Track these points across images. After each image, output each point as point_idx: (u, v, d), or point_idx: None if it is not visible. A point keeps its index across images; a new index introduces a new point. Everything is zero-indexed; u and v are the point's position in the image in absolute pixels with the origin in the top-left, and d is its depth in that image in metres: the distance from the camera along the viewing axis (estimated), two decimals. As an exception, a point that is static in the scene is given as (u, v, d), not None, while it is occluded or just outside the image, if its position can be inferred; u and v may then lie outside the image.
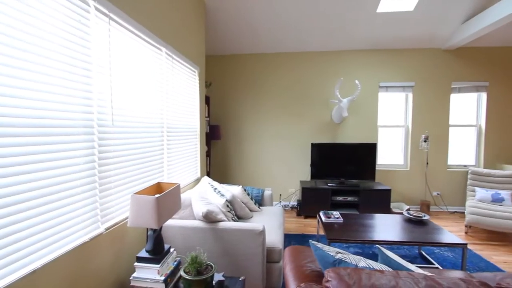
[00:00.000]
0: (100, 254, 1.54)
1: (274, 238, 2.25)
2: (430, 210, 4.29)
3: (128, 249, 1.83)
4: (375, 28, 3.81)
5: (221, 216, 2.15)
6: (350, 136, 4.35)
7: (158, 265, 1.54)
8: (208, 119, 3.95)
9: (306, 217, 3.94)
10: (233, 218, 2.39)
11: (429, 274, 1.13)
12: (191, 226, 2.07)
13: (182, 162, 2.81)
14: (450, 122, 4.31)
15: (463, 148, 4.42)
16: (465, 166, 4.36)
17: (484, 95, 4.26)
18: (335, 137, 4.37)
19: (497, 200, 3.47)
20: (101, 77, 1.53)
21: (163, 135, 2.36)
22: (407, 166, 4.38)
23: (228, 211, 2.35)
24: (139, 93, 1.97)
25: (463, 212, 4.12)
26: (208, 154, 4.05)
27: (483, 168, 4.21)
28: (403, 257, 2.79)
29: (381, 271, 1.07)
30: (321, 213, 2.79)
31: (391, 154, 4.48)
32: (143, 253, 1.60)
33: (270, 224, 2.51)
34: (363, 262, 1.31)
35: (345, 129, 4.36)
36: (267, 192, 3.15)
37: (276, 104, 4.42)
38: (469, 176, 3.86)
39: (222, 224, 2.08)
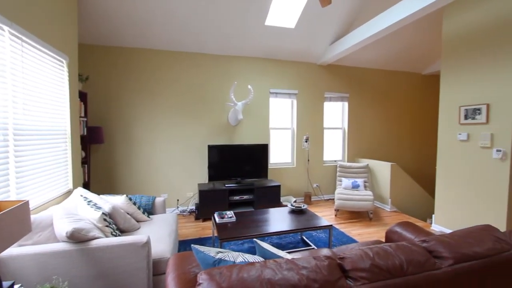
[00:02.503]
0: None
1: (163, 248, 2.09)
2: (312, 199, 5.03)
3: None
4: (265, 39, 4.17)
5: (94, 233, 1.83)
6: (245, 137, 4.60)
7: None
8: (85, 119, 3.34)
9: (204, 220, 3.90)
10: (114, 233, 2.09)
11: (291, 258, 1.27)
12: (50, 251, 1.67)
13: (43, 172, 2.26)
14: (324, 125, 5.19)
15: (334, 146, 5.40)
16: (335, 161, 5.34)
17: (346, 104, 5.34)
18: (231, 138, 4.52)
19: (355, 186, 4.40)
20: None
21: (7, 140, 1.82)
22: (294, 163, 4.99)
23: (107, 226, 2.03)
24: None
25: (334, 199, 5.03)
26: (86, 160, 3.43)
27: (347, 162, 5.27)
28: (289, 243, 3.14)
29: (252, 263, 1.12)
30: (215, 214, 2.80)
31: (281, 153, 5.00)
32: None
33: (160, 233, 2.32)
34: (240, 257, 1.36)
35: (240, 131, 4.57)
36: (159, 199, 2.93)
37: (172, 105, 4.20)
38: (337, 169, 4.74)
39: (96, 242, 1.78)
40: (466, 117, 3.22)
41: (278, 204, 4.17)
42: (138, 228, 2.44)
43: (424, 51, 5.14)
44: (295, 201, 4.64)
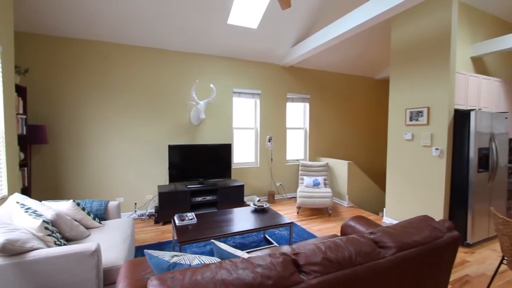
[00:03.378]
0: None
1: (116, 255, 1.95)
2: (275, 198, 5.13)
3: None
4: (227, 38, 4.13)
5: (32, 243, 1.64)
6: (208, 137, 4.51)
7: None
8: (24, 116, 2.98)
9: (165, 223, 3.74)
10: (59, 242, 1.89)
11: (247, 256, 1.27)
12: (-25, 268, 1.46)
13: (-32, 177, 1.96)
14: (287, 125, 5.33)
15: (296, 146, 5.57)
16: (297, 160, 5.51)
17: (307, 105, 5.54)
18: (194, 138, 4.40)
19: (316, 184, 4.58)
20: None
21: None
22: (257, 163, 5.03)
23: (49, 235, 1.84)
24: None
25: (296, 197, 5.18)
26: (25, 163, 3.07)
27: (308, 161, 5.47)
28: (252, 242, 3.15)
29: (207, 265, 1.10)
30: (175, 217, 2.70)
31: (244, 153, 5.01)
32: None
33: (113, 239, 2.17)
34: (197, 260, 1.32)
35: (203, 131, 4.48)
36: (113, 204, 2.73)
37: (130, 103, 3.95)
38: (299, 168, 4.89)
39: (34, 254, 1.60)
40: (411, 119, 3.55)
41: (241, 204, 4.17)
42: (88, 236, 2.25)
43: (377, 57, 5.55)
44: (258, 200, 4.68)
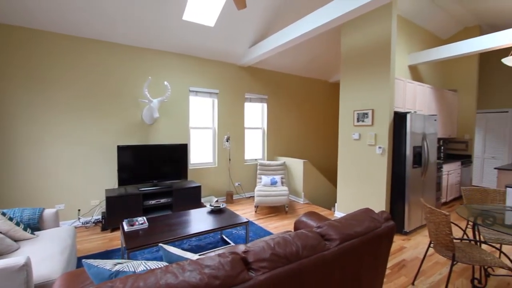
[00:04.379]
0: None
1: (51, 268, 1.75)
2: (234, 198, 5.12)
3: None
4: (183, 34, 4.00)
5: None
6: (163, 137, 4.31)
7: None
8: None
9: (113, 230, 3.47)
10: (-24, 259, 1.62)
11: (196, 258, 1.25)
12: None
13: None
14: (245, 125, 5.36)
15: (255, 145, 5.63)
16: (256, 159, 5.58)
17: (265, 105, 5.64)
18: (147, 138, 4.17)
19: (274, 183, 4.68)
20: None
21: None
22: (215, 163, 4.96)
23: (-37, 251, 1.57)
24: None
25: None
26: None
27: (266, 160, 5.57)
28: (209, 244, 3.09)
29: (152, 270, 1.04)
30: (124, 222, 2.52)
31: (202, 153, 4.90)
32: None
33: (48, 251, 1.94)
34: (143, 266, 1.25)
35: (157, 130, 4.26)
36: (49, 211, 2.44)
37: (71, 99, 3.57)
38: (258, 167, 4.95)
39: None
40: (358, 120, 3.84)
41: (199, 205, 4.07)
42: (17, 249, 1.98)
43: (330, 62, 5.90)
44: (217, 201, 4.63)
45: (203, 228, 2.55)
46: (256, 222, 3.86)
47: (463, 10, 4.61)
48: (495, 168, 4.13)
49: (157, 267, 1.22)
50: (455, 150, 5.64)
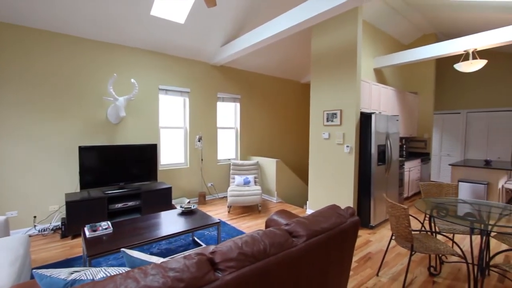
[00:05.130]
0: None
1: (-1, 282, 1.59)
2: (206, 199, 5.04)
3: None
4: (152, 30, 3.85)
5: None
6: (131, 137, 4.12)
7: None
8: None
9: (74, 236, 3.24)
10: None
11: (161, 261, 1.20)
12: None
13: None
14: (218, 125, 5.30)
15: (228, 145, 5.59)
16: (229, 159, 5.54)
17: (238, 105, 5.62)
18: (113, 138, 3.95)
19: (247, 183, 4.69)
20: None
21: None
22: (187, 163, 4.85)
23: None
24: None
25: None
26: None
27: (239, 160, 5.55)
28: (179, 247, 3.01)
29: (112, 277, 0.98)
30: (85, 228, 2.36)
31: (173, 153, 4.76)
32: None
33: (-5, 263, 1.75)
34: (102, 273, 1.18)
35: (125, 130, 4.06)
36: (-2, 218, 2.22)
37: (26, 97, 3.27)
38: (231, 167, 4.92)
39: None
40: (327, 120, 3.97)
41: (169, 207, 3.94)
42: (-43, 262, 1.76)
43: (302, 63, 6.03)
44: (188, 202, 4.52)
45: (173, 230, 2.47)
46: (229, 222, 3.83)
47: (421, 18, 4.97)
48: (449, 165, 4.51)
49: (118, 273, 1.16)
50: (415, 148, 6.06)
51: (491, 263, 2.55)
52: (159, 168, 4.47)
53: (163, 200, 3.89)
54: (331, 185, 3.92)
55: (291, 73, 6.36)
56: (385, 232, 3.48)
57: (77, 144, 3.63)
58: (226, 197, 5.25)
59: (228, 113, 5.58)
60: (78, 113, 3.64)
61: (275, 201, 5.01)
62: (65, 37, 3.52)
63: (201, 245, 3.03)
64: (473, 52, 4.04)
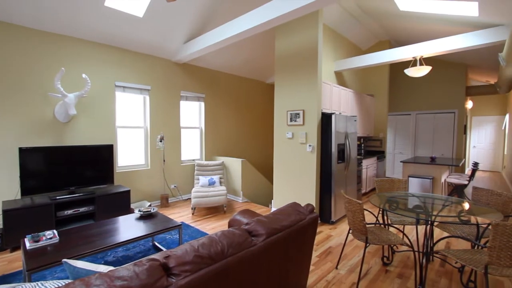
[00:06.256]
0: None
1: None
2: (169, 201, 4.84)
3: None
4: (106, 22, 3.58)
5: None
6: (83, 137, 3.79)
7: None
8: None
9: (15, 249, 2.88)
10: None
11: (108, 270, 1.11)
12: None
13: None
14: (181, 125, 5.12)
15: (192, 145, 5.44)
16: (193, 160, 5.39)
17: (203, 104, 5.50)
18: (62, 139, 3.60)
19: (212, 183, 4.60)
20: None
21: None
22: (148, 165, 4.61)
23: None
24: None
25: (194, 198, 5.06)
26: None
27: (204, 160, 5.44)
28: (138, 253, 2.83)
29: (47, 292, 0.88)
30: (25, 239, 2.10)
31: (132, 154, 4.49)
32: None
33: None
34: (38, 287, 1.05)
35: (76, 130, 3.72)
36: None
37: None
38: (195, 168, 4.79)
39: None
40: (291, 120, 4.05)
41: (127, 212, 3.70)
42: None
43: (267, 63, 6.10)
44: (149, 205, 4.30)
45: (130, 236, 2.32)
46: (192, 225, 3.71)
47: (377, 26, 5.33)
48: (400, 162, 4.90)
49: (57, 286, 1.04)
50: (372, 147, 6.49)
51: (434, 249, 2.81)
52: (116, 170, 4.18)
53: (121, 204, 3.64)
54: (295, 184, 4.01)
55: (256, 73, 6.40)
56: (345, 227, 3.65)
57: (17, 146, 3.24)
58: (190, 198, 5.09)
59: (192, 113, 5.42)
60: (19, 111, 3.25)
61: (240, 201, 4.99)
62: (7, 26, 3.11)
63: (162, 250, 2.88)
64: (420, 59, 4.44)
